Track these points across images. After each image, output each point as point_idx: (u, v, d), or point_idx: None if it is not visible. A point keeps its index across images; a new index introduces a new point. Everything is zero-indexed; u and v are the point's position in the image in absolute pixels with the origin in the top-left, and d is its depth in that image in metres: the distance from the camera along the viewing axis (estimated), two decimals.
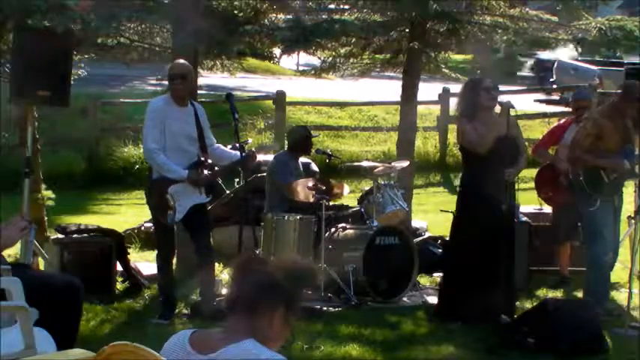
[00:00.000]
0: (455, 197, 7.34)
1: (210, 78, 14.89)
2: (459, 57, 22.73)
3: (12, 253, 6.76)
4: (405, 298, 7.65)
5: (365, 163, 8.80)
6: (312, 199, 7.82)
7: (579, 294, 7.58)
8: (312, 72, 10.74)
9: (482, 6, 9.25)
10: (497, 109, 6.91)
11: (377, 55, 10.01)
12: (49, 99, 6.64)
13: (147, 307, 7.22)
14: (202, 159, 6.71)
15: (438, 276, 8.32)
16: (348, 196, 9.14)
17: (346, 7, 9.78)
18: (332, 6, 10.11)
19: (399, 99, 9.46)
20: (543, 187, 8.29)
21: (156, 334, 6.05)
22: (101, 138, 14.74)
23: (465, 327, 6.64)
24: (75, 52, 7.49)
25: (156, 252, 7.16)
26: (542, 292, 7.86)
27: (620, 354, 6.14)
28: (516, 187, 7.01)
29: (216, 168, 6.82)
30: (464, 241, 6.91)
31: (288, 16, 9.62)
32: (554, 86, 19.35)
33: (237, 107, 7.15)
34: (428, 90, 13.09)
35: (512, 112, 6.76)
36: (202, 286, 6.87)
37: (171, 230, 6.88)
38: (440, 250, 8.68)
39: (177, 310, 6.90)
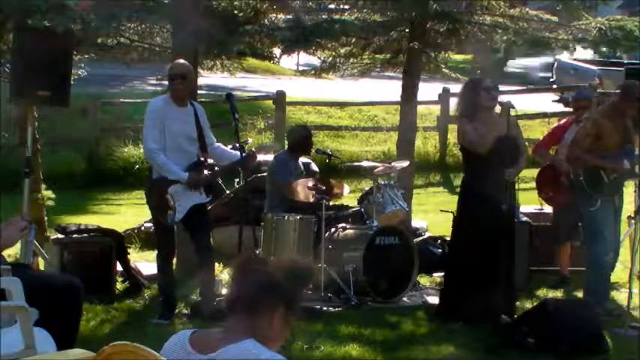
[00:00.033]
0: (455, 197, 7.34)
1: (210, 78, 14.89)
2: (459, 57, 22.74)
3: (12, 253, 6.76)
4: (405, 298, 7.65)
5: (365, 163, 8.80)
6: (312, 199, 7.82)
7: (579, 294, 7.59)
8: (312, 72, 10.74)
9: (482, 6, 9.25)
10: (498, 109, 6.91)
11: (377, 55, 10.01)
12: (49, 99, 6.64)
13: (147, 307, 7.22)
14: (202, 159, 6.71)
15: (438, 276, 8.33)
16: (348, 196, 9.14)
17: (346, 7, 9.78)
18: (332, 6, 10.11)
19: (399, 99, 9.46)
20: (544, 187, 8.29)
21: (156, 334, 6.05)
22: (101, 138, 14.74)
23: (465, 327, 6.64)
24: (75, 52, 7.49)
25: (156, 252, 7.16)
26: (542, 292, 7.86)
27: (620, 354, 6.14)
28: (517, 187, 7.01)
29: (216, 168, 6.82)
30: (465, 241, 6.91)
31: (288, 16, 9.62)
32: (554, 86, 19.35)
33: (237, 107, 7.15)
34: (428, 90, 13.08)
35: (512, 112, 6.76)
36: (202, 286, 6.87)
37: (172, 230, 6.88)
38: (440, 250, 8.68)
39: (177, 310, 6.90)
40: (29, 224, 4.49)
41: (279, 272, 2.62)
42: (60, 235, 7.68)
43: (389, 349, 6.22)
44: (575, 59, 19.94)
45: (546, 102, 18.16)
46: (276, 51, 11.46)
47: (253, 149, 7.06)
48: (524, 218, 8.13)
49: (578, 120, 8.01)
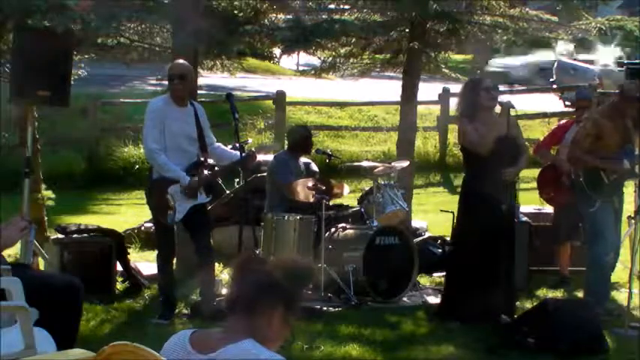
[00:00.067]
0: (455, 197, 7.34)
1: (210, 78, 14.89)
2: (459, 57, 22.73)
3: (12, 253, 6.76)
4: (405, 298, 7.65)
5: (365, 163, 8.80)
6: (312, 199, 7.82)
7: (579, 294, 7.59)
8: (312, 72, 10.74)
9: (482, 6, 9.25)
10: (498, 109, 6.91)
11: (377, 55, 10.00)
12: (49, 99, 6.63)
13: (147, 307, 7.22)
14: (202, 159, 6.71)
15: (438, 276, 8.33)
16: (348, 196, 9.14)
17: (346, 7, 9.78)
18: (332, 6, 10.11)
19: (399, 99, 9.46)
20: (545, 188, 8.28)
21: (156, 334, 6.05)
22: (101, 138, 14.74)
23: (465, 327, 6.64)
24: (75, 52, 7.49)
25: (156, 252, 7.16)
26: (542, 292, 7.86)
27: (620, 354, 6.14)
28: (517, 187, 7.01)
29: (216, 168, 6.82)
30: (465, 241, 6.91)
31: (288, 16, 9.62)
32: (554, 86, 19.35)
33: (237, 107, 7.14)
34: (428, 90, 13.08)
35: (512, 112, 6.76)
36: (202, 286, 6.87)
37: (172, 230, 6.88)
38: (440, 250, 8.68)
39: (177, 310, 6.90)
40: (29, 224, 4.49)
41: (279, 272, 2.62)
42: (60, 235, 7.68)
43: (389, 349, 6.22)
44: (575, 59, 19.96)
45: (546, 102, 18.16)
46: (276, 51, 11.46)
47: (253, 149, 7.06)
48: (524, 218, 8.13)
49: (578, 120, 8.01)
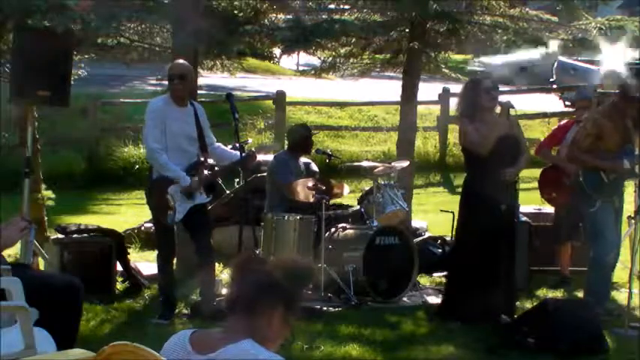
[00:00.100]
0: (455, 197, 7.34)
1: (210, 78, 14.89)
2: (459, 57, 22.72)
3: (12, 253, 6.76)
4: (405, 298, 7.65)
5: (365, 163, 8.79)
6: (312, 199, 7.82)
7: (580, 294, 7.59)
8: (312, 72, 10.73)
9: (482, 6, 9.25)
10: (498, 109, 6.91)
11: (377, 55, 10.00)
12: (49, 99, 6.64)
13: (147, 307, 7.22)
14: (202, 159, 6.71)
15: (438, 276, 8.33)
16: (348, 196, 9.14)
17: (346, 7, 9.77)
18: (332, 6, 10.10)
19: (399, 99, 9.46)
20: (546, 188, 8.28)
21: (156, 334, 6.05)
22: (101, 138, 14.74)
23: (465, 327, 6.64)
24: (75, 52, 7.49)
25: (156, 252, 7.16)
26: (542, 292, 7.86)
27: (620, 354, 6.14)
28: (517, 187, 7.01)
29: (216, 168, 6.82)
30: (466, 241, 6.91)
31: (288, 16, 9.62)
32: (554, 86, 19.35)
33: (237, 107, 7.15)
34: (428, 90, 13.08)
35: (512, 112, 6.76)
36: (202, 286, 6.87)
37: (172, 230, 6.88)
38: (440, 250, 8.68)
39: (177, 310, 6.90)
40: (29, 224, 4.49)
41: (279, 272, 2.62)
42: (60, 235, 7.68)
43: (389, 349, 6.22)
44: (575, 59, 19.94)
45: (546, 102, 18.16)
46: (276, 51, 11.45)
47: (253, 149, 7.06)
48: (524, 218, 8.13)
49: (578, 120, 8.01)
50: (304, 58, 19.68)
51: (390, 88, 12.96)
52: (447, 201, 10.57)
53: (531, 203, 8.90)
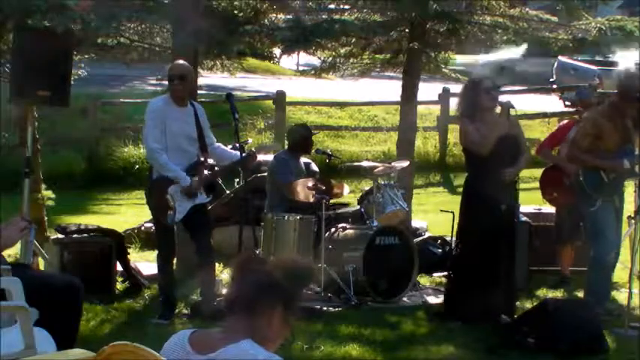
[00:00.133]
0: (455, 197, 7.34)
1: (210, 78, 14.89)
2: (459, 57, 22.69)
3: (12, 253, 6.76)
4: (405, 298, 7.65)
5: (365, 163, 8.79)
6: (312, 199, 7.82)
7: (580, 294, 7.59)
8: (312, 72, 10.74)
9: (482, 6, 9.25)
10: (498, 109, 6.90)
11: (377, 55, 10.00)
12: (49, 99, 6.64)
13: (147, 307, 7.22)
14: (202, 159, 6.71)
15: (438, 276, 8.33)
16: (348, 196, 9.14)
17: (346, 7, 9.78)
18: (332, 6, 10.10)
19: (399, 99, 9.46)
20: (548, 188, 8.27)
21: (156, 334, 6.05)
22: (101, 138, 14.74)
23: (465, 327, 6.64)
24: (75, 52, 7.49)
25: (156, 252, 7.16)
26: (542, 292, 7.86)
27: (620, 354, 6.14)
28: (517, 186, 7.01)
29: (216, 168, 6.82)
30: (467, 241, 6.91)
31: (288, 16, 9.62)
32: (554, 86, 19.34)
33: (237, 107, 7.15)
34: (428, 90, 13.08)
35: (512, 112, 6.76)
36: (202, 286, 6.88)
37: (172, 230, 6.88)
38: (440, 250, 8.68)
39: (177, 310, 6.90)
40: (29, 224, 4.49)
41: (279, 272, 2.62)
42: (60, 235, 7.68)
43: (389, 349, 6.22)
44: (575, 59, 19.94)
45: (546, 102, 18.16)
46: (276, 51, 11.46)
47: (253, 149, 7.06)
48: (524, 218, 8.13)
49: (579, 120, 8.00)
50: (304, 58, 19.68)
51: (390, 88, 12.96)
52: (447, 201, 10.57)
53: (531, 203, 8.89)
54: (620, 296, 7.52)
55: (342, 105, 17.21)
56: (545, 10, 9.71)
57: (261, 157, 7.74)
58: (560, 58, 20.28)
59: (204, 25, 7.33)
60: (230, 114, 6.95)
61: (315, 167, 8.97)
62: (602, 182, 7.00)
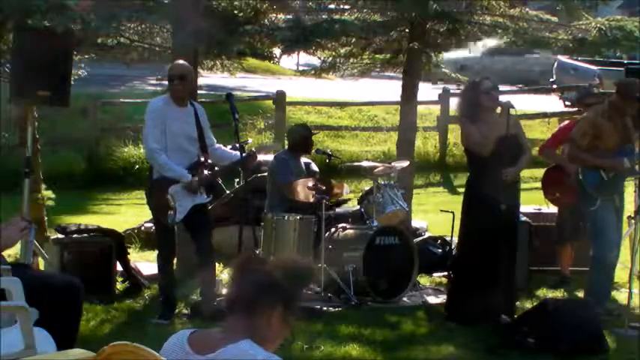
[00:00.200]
0: (455, 197, 7.34)
1: (210, 78, 14.89)
2: None
3: (12, 253, 6.76)
4: (405, 298, 7.65)
5: (365, 163, 8.80)
6: (312, 199, 7.82)
7: (580, 294, 7.59)
8: (312, 72, 10.73)
9: (482, 6, 9.25)
10: (498, 109, 6.90)
11: (377, 55, 10.00)
12: (49, 99, 6.64)
13: (147, 307, 7.22)
14: (202, 159, 6.71)
15: (438, 276, 8.33)
16: (348, 195, 9.15)
17: (346, 7, 9.77)
18: (332, 6, 10.10)
19: (399, 99, 9.46)
20: (550, 188, 8.27)
21: (156, 334, 6.05)
22: (101, 138, 14.74)
23: (465, 327, 6.64)
24: (75, 52, 7.49)
25: (156, 252, 7.16)
26: (542, 292, 7.86)
27: (620, 354, 6.14)
28: (518, 186, 7.01)
29: (216, 168, 6.82)
30: (467, 241, 6.91)
31: (288, 16, 9.61)
32: (554, 86, 19.35)
33: (237, 107, 7.15)
34: (428, 90, 13.08)
35: (512, 112, 6.76)
36: (203, 286, 6.88)
37: (172, 230, 6.88)
38: (440, 250, 8.68)
39: (177, 310, 6.90)
40: (29, 224, 4.49)
41: (279, 272, 2.62)
42: (60, 235, 7.68)
43: (389, 349, 6.22)
44: (575, 59, 19.93)
45: (546, 102, 18.16)
46: (276, 51, 11.44)
47: (253, 149, 7.07)
48: (524, 218, 8.12)
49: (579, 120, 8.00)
50: (304, 58, 19.66)
51: (390, 88, 12.96)
52: (447, 201, 10.57)
53: (532, 203, 8.89)
54: (620, 296, 7.52)
55: (342, 105, 17.21)
56: (545, 10, 9.71)
57: (261, 157, 7.74)
58: (560, 58, 20.26)
59: (204, 25, 7.33)
60: (230, 114, 6.95)
61: (315, 167, 8.97)
62: (601, 181, 7.00)
